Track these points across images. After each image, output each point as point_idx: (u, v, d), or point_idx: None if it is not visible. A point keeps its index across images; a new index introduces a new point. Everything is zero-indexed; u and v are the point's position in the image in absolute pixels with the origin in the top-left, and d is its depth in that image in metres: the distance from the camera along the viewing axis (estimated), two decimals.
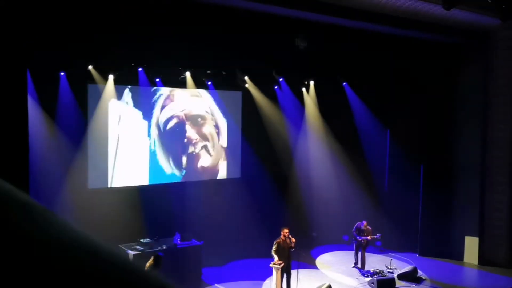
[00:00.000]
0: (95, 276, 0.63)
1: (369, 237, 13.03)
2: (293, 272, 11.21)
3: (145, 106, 13.00)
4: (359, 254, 13.16)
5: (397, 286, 11.96)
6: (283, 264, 10.82)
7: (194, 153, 13.90)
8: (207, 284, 11.98)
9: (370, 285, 11.81)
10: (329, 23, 12.15)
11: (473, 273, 13.86)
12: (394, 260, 13.43)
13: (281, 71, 14.50)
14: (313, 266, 13.47)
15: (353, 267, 13.20)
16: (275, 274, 10.90)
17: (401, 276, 12.44)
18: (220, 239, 13.79)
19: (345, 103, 15.30)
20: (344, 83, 15.24)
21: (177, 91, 13.51)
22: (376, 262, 13.69)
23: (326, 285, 11.00)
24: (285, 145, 15.17)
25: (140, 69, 12.45)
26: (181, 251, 11.72)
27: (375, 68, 14.34)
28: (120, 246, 11.24)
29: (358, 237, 12.99)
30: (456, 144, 14.47)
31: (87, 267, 0.63)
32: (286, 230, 11.04)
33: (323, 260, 14.06)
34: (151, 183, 13.19)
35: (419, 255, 14.66)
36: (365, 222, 13.14)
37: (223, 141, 14.48)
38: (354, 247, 13.25)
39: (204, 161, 14.12)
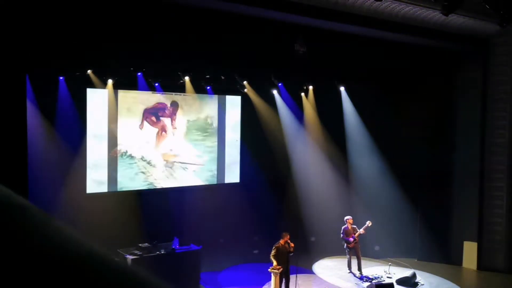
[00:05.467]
0: (92, 280, 0.64)
1: (362, 230, 12.97)
2: (292, 277, 11.20)
3: (143, 110, 12.99)
4: (354, 258, 13.13)
5: None
6: (281, 269, 10.81)
7: (193, 157, 13.89)
8: None
9: None
10: (328, 28, 12.17)
11: (472, 278, 13.85)
12: (392, 265, 13.41)
13: (280, 76, 14.51)
14: (311, 271, 13.45)
15: (348, 272, 13.16)
16: (274, 279, 10.89)
17: (400, 281, 12.41)
18: (219, 244, 13.80)
19: (344, 108, 15.31)
20: (343, 88, 15.25)
21: (176, 96, 13.51)
22: (374, 267, 13.68)
23: None
24: (284, 150, 15.17)
25: (139, 73, 12.46)
26: (179, 256, 11.70)
27: (374, 73, 14.36)
28: (118, 250, 11.23)
29: (351, 238, 12.93)
30: (455, 149, 14.48)
31: (84, 271, 0.64)
32: (287, 235, 11.04)
33: (321, 265, 14.04)
34: (149, 188, 13.18)
35: (418, 260, 14.66)
36: (349, 219, 13.11)
37: (222, 146, 14.48)
38: (347, 252, 13.19)
39: (203, 166, 14.11)
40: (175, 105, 13.53)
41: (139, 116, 12.94)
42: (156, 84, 12.90)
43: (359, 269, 13.06)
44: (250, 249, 14.20)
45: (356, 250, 13.04)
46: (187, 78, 13.20)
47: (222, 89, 14.13)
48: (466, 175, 14.24)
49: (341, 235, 13.11)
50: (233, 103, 14.63)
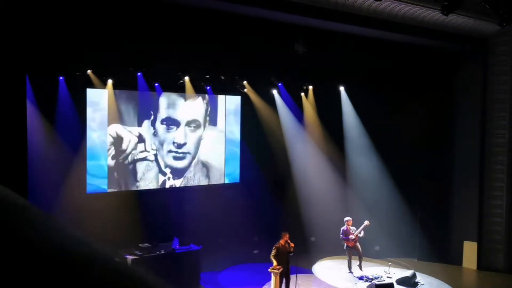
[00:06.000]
0: (93, 279, 0.64)
1: (362, 233, 12.95)
2: (292, 277, 11.19)
3: (143, 111, 13.00)
4: (354, 258, 13.13)
5: None
6: (281, 269, 10.80)
7: (192, 157, 13.89)
8: None
9: None
10: (328, 28, 12.17)
11: (472, 278, 13.85)
12: (392, 265, 13.41)
13: (280, 76, 14.52)
14: (311, 271, 13.44)
15: (348, 272, 13.14)
16: (274, 279, 10.88)
17: (400, 281, 12.40)
18: (219, 244, 13.79)
19: (343, 108, 15.31)
20: (343, 88, 15.25)
21: (176, 96, 13.51)
22: (374, 267, 13.67)
23: None
24: (284, 150, 15.17)
25: (139, 73, 12.46)
26: (179, 256, 11.70)
27: (374, 73, 14.36)
28: (118, 250, 11.22)
29: (350, 237, 12.92)
30: (454, 149, 14.48)
31: (85, 271, 0.64)
32: (287, 235, 11.03)
33: (321, 265, 14.04)
34: (149, 188, 13.18)
35: (418, 260, 14.66)
36: (348, 220, 13.09)
37: (222, 146, 14.48)
38: (347, 252, 13.17)
39: (203, 166, 14.10)
40: (175, 105, 13.53)
41: (139, 116, 12.94)
42: (156, 84, 12.90)
43: (360, 266, 13.05)
44: (250, 249, 14.20)
45: (357, 249, 13.03)
46: (187, 78, 13.20)
47: (222, 89, 14.13)
48: (466, 175, 14.24)
49: (341, 235, 13.11)
50: (233, 103, 14.62)
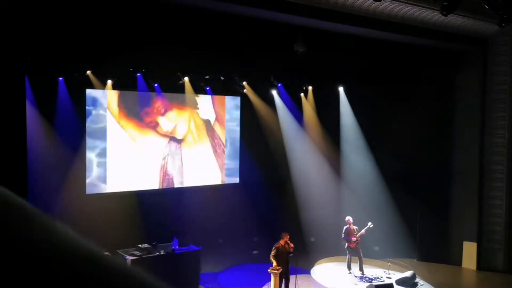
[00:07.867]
0: (91, 280, 0.63)
1: (363, 231, 13.00)
2: (291, 278, 11.19)
3: (142, 111, 13.00)
4: (355, 259, 13.13)
5: None
6: (281, 270, 10.81)
7: (192, 158, 13.88)
8: None
9: None
10: (327, 28, 12.16)
11: (472, 278, 13.85)
12: (392, 265, 13.40)
13: (280, 77, 14.51)
14: (311, 271, 13.44)
15: (349, 273, 13.13)
16: (274, 280, 10.88)
17: (400, 282, 12.40)
18: (218, 245, 13.79)
19: (343, 109, 15.31)
20: (342, 89, 15.24)
21: (175, 96, 13.51)
22: (374, 267, 13.67)
23: None
24: (283, 150, 15.17)
25: (138, 74, 12.46)
26: (179, 256, 11.70)
27: (374, 74, 14.36)
28: (118, 251, 11.22)
29: (352, 238, 12.94)
30: (454, 149, 14.48)
31: (83, 272, 0.64)
32: (287, 236, 11.03)
33: (321, 265, 14.03)
34: (149, 189, 13.17)
35: (417, 260, 14.65)
36: (349, 220, 13.09)
37: (222, 147, 14.48)
38: (348, 252, 13.15)
39: (202, 166, 14.10)
40: (175, 106, 13.54)
41: (139, 117, 12.94)
42: (156, 85, 12.90)
43: (361, 269, 13.05)
44: (249, 249, 14.20)
45: (358, 251, 13.04)
46: (186, 79, 13.20)
47: (221, 90, 14.13)
48: (466, 175, 14.24)
49: (343, 235, 13.12)
50: (233, 103, 14.62)
